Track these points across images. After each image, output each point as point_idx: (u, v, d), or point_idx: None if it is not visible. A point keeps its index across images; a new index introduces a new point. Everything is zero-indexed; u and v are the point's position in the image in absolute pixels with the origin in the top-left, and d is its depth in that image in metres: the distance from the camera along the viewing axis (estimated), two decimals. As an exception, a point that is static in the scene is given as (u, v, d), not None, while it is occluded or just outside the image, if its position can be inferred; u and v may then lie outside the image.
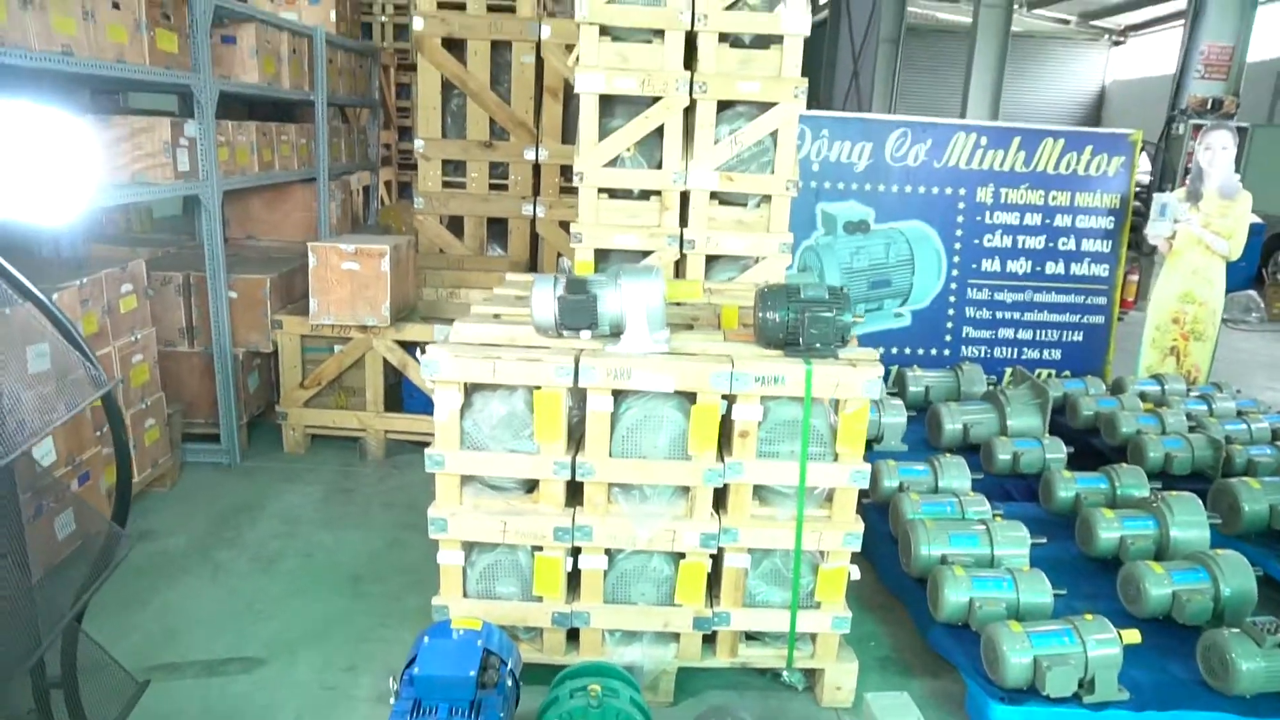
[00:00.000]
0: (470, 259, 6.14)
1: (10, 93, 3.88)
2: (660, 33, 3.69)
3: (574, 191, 6.04)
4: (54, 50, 3.02)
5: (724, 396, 2.58)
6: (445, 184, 6.19)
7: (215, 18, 4.10)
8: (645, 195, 3.89)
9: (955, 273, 5.80)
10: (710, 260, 3.98)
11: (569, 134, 6.12)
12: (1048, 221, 5.76)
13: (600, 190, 3.86)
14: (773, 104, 3.75)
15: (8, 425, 1.52)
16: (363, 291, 4.32)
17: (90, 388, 1.76)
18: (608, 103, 3.84)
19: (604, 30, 3.69)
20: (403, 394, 4.88)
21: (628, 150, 3.83)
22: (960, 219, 5.73)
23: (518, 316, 2.96)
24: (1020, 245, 5.78)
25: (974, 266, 5.80)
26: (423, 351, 2.55)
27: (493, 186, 6.20)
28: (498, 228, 6.35)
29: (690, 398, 2.60)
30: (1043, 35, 20.84)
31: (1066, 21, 20.54)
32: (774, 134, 3.79)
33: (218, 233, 4.17)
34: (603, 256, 4.02)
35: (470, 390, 2.66)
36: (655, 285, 2.53)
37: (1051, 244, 5.79)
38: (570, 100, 6.07)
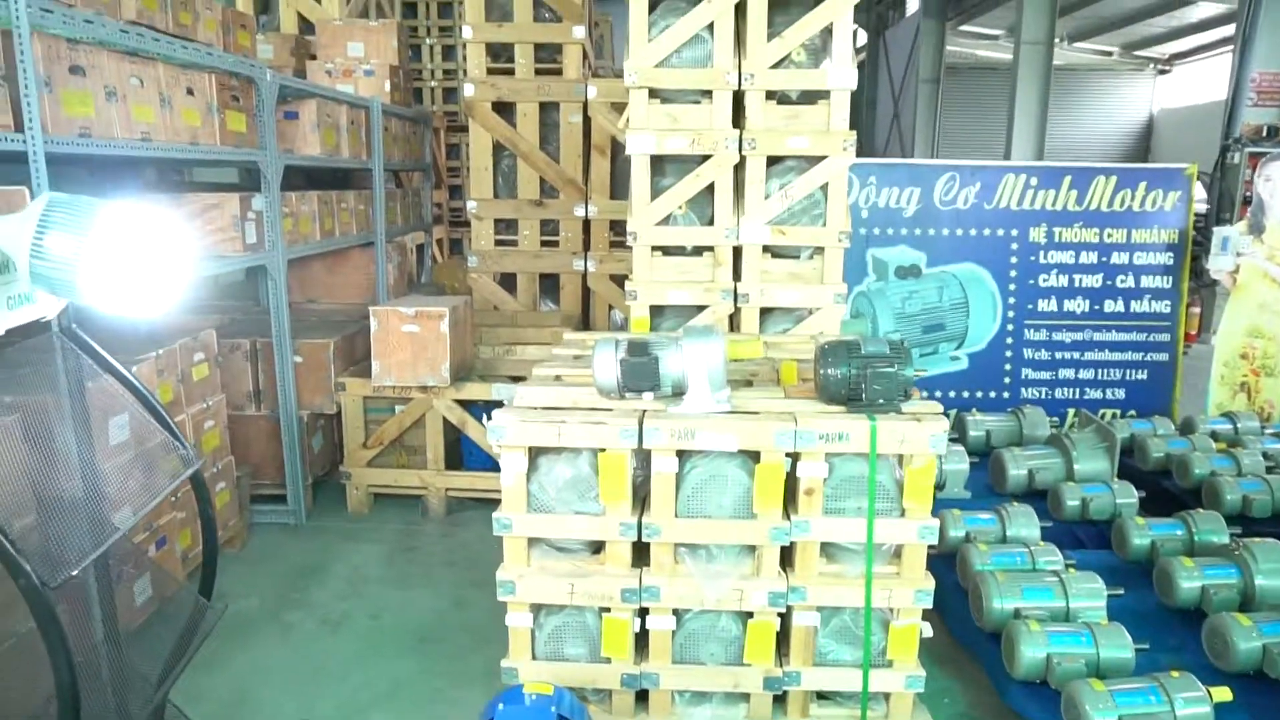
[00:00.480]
0: (524, 314, 6.24)
1: (91, 175, 4.10)
2: (708, 93, 3.76)
3: (623, 245, 6.17)
4: (135, 138, 3.18)
5: (788, 454, 2.58)
6: (498, 242, 6.33)
7: (279, 96, 4.29)
8: (698, 251, 3.94)
9: (1011, 314, 5.73)
10: (764, 312, 4.00)
11: (617, 189, 6.23)
12: (1104, 259, 5.68)
13: (654, 248, 3.92)
14: (822, 157, 3.79)
15: (103, 509, 1.58)
16: (423, 353, 4.41)
17: (179, 465, 1.82)
18: (658, 162, 3.91)
19: (653, 93, 3.78)
20: (462, 451, 4.94)
21: (680, 208, 3.89)
22: (1014, 260, 5.68)
23: (579, 378, 3.00)
24: (1077, 284, 5.69)
25: (1030, 307, 5.73)
26: (488, 418, 2.60)
27: (544, 243, 6.32)
28: (549, 283, 6.46)
29: (754, 456, 2.61)
30: (1085, 68, 20.69)
31: (1109, 53, 20.37)
32: (824, 186, 3.82)
33: (283, 300, 4.31)
34: (657, 312, 4.07)
35: (536, 454, 2.69)
36: (716, 345, 2.55)
37: (1109, 282, 5.70)
38: (618, 156, 6.19)
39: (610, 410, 2.65)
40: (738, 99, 3.79)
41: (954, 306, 5.73)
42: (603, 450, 2.57)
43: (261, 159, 4.06)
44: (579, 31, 6.03)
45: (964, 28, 19.13)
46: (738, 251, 3.90)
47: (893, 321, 5.65)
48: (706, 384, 2.56)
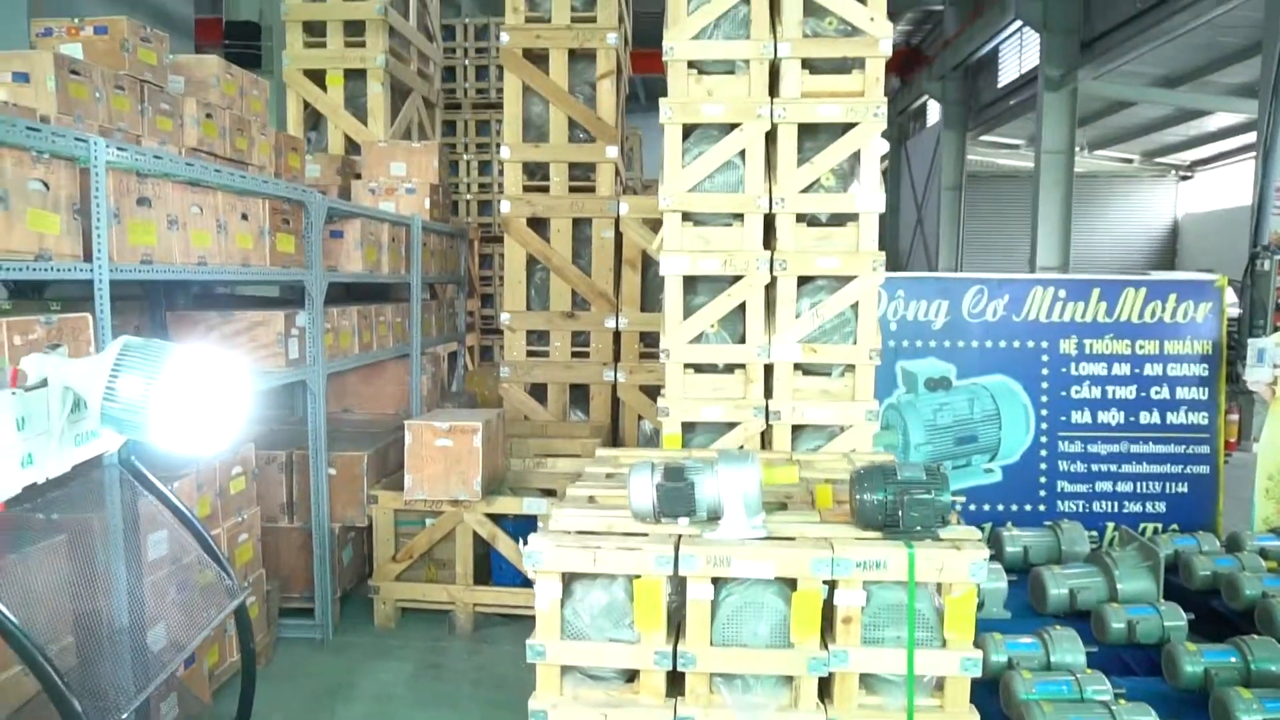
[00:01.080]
0: (554, 425, 6.28)
1: (143, 287, 4.26)
2: (740, 215, 3.89)
3: (653, 357, 6.27)
4: (192, 263, 3.33)
5: (825, 581, 2.55)
6: (529, 353, 6.43)
7: (326, 217, 4.48)
8: (730, 368, 3.99)
9: (1044, 426, 5.69)
10: (796, 429, 4.01)
11: (648, 302, 6.36)
12: (1137, 371, 5.65)
13: (686, 365, 3.98)
14: (852, 276, 3.87)
15: (148, 641, 1.60)
16: (455, 467, 4.45)
17: (224, 594, 1.84)
18: (690, 280, 4.02)
19: (686, 216, 3.91)
20: (491, 566, 4.91)
21: (712, 326, 3.96)
22: (1045, 372, 5.67)
23: (613, 498, 3.01)
24: (1111, 396, 5.66)
25: (1063, 419, 5.68)
26: (523, 541, 2.60)
27: (575, 354, 6.41)
28: (579, 393, 6.53)
29: (791, 583, 2.58)
30: (1107, 175, 21.03)
31: (1130, 160, 20.73)
32: (854, 305, 3.89)
33: (321, 414, 4.39)
34: (688, 428, 4.10)
35: (570, 579, 2.68)
36: (752, 471, 2.56)
37: (1144, 393, 5.65)
38: (648, 269, 6.34)
39: (646, 535, 2.65)
40: (769, 221, 3.91)
41: (986, 418, 5.70)
42: (638, 577, 2.56)
43: (307, 278, 4.21)
44: (612, 151, 6.28)
45: (984, 138, 19.63)
46: (769, 369, 3.95)
47: (924, 434, 5.62)
48: (742, 510, 2.56)
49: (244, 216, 3.74)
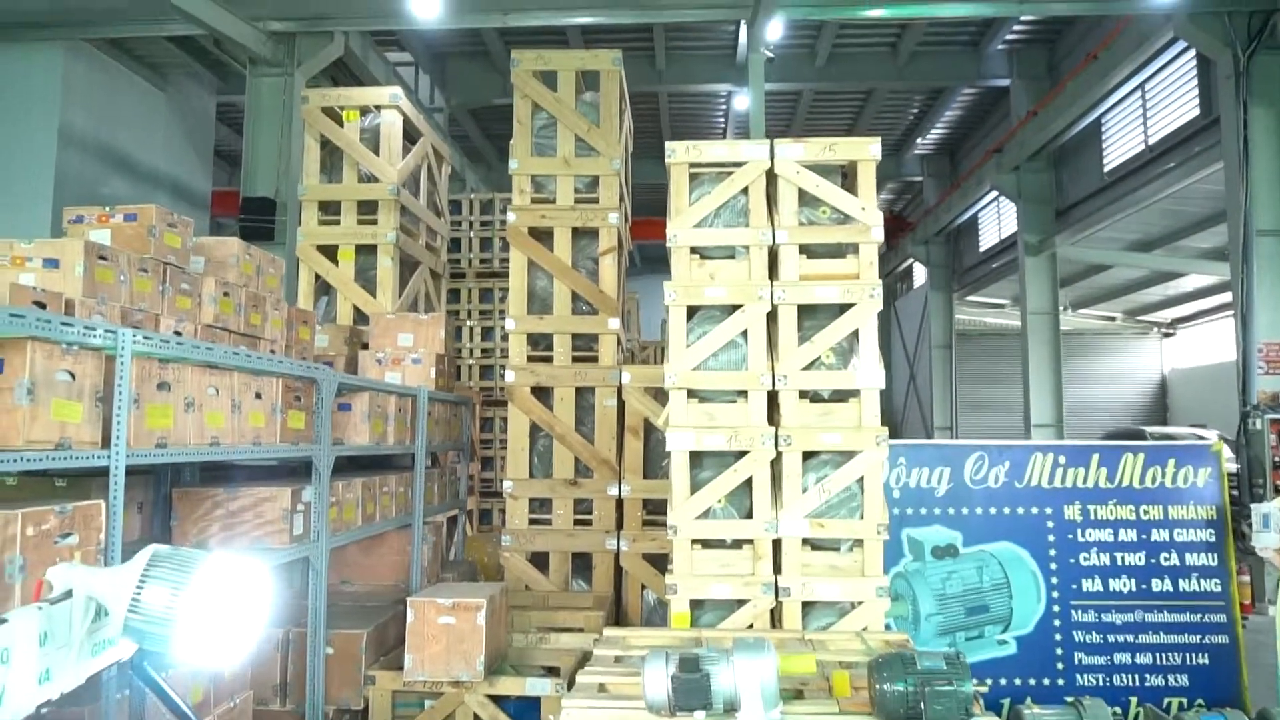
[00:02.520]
0: (556, 595, 6.15)
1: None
2: (744, 392, 3.97)
3: (656, 525, 6.22)
4: (205, 444, 3.37)
5: (848, 780, 2.45)
6: (532, 520, 6.37)
7: (335, 391, 4.56)
8: (738, 544, 3.97)
9: (1056, 594, 5.59)
10: (806, 605, 3.94)
11: (650, 469, 6.37)
12: (1144, 536, 5.62)
13: (694, 541, 3.95)
14: (856, 451, 3.91)
15: None
16: (458, 645, 4.32)
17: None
18: (696, 455, 4.05)
19: (691, 393, 3.99)
20: (491, 751, 4.67)
21: (719, 501, 3.96)
22: (1051, 538, 5.63)
23: (624, 686, 2.93)
24: (1120, 562, 5.59)
25: (1074, 587, 5.59)
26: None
27: (577, 521, 6.35)
28: (581, 561, 6.42)
29: (812, 782, 2.47)
30: (1093, 333, 21.57)
31: (1113, 318, 21.32)
32: (860, 480, 3.91)
33: (323, 592, 4.31)
34: (696, 604, 4.02)
35: (582, 778, 2.57)
36: (769, 661, 2.51)
37: (1153, 560, 5.60)
38: (651, 436, 6.39)
39: (660, 730, 2.56)
40: (771, 397, 3.99)
41: (995, 587, 5.61)
42: (653, 776, 2.46)
43: (316, 453, 4.24)
44: (614, 323, 6.46)
45: (970, 297, 20.26)
46: (777, 544, 3.92)
47: (934, 604, 5.51)
48: (759, 701, 2.49)
49: (257, 395, 3.81)
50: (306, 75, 10.52)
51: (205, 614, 1.49)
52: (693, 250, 4.05)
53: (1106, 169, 13.42)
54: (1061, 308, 15.97)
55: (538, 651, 5.10)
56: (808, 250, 4.02)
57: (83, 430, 2.69)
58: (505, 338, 10.47)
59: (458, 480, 7.08)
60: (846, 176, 4.19)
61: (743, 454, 3.96)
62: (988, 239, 18.72)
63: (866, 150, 4.00)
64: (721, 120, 18.31)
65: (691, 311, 4.09)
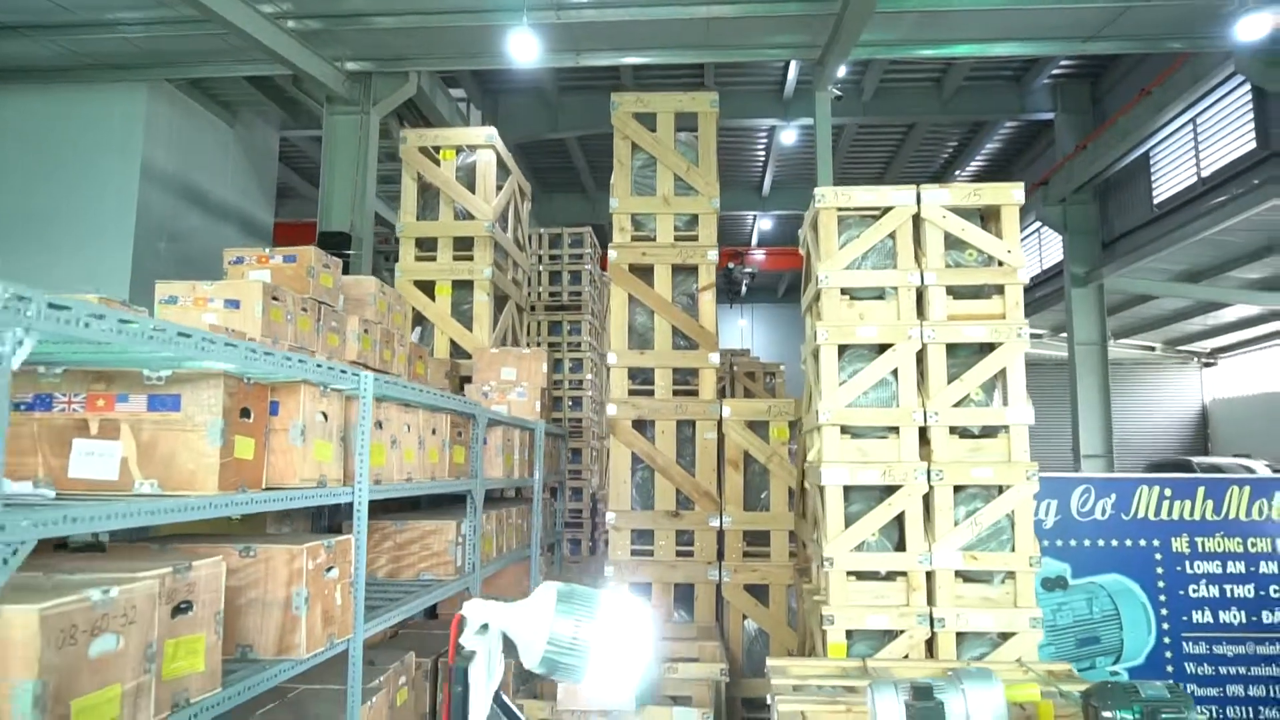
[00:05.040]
0: (660, 626, 6.25)
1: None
2: (895, 429, 4.11)
3: (756, 555, 6.34)
4: (403, 479, 3.53)
5: (1080, 806, 2.56)
6: (634, 552, 6.50)
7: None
8: (890, 576, 4.08)
9: (1166, 626, 5.66)
10: (959, 636, 4.05)
11: (750, 501, 6.49)
12: (1252, 569, 5.69)
13: (848, 573, 4.07)
14: (1003, 485, 4.03)
15: None
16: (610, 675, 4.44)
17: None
18: (845, 490, 4.18)
19: (844, 429, 4.13)
20: (630, 780, 4.77)
21: (872, 535, 4.09)
22: (1160, 570, 5.71)
23: (824, 714, 3.04)
24: (1230, 594, 5.66)
25: (1184, 619, 5.66)
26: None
27: (679, 553, 6.47)
28: (682, 592, 6.53)
29: (1045, 808, 2.58)
30: (1131, 362, 21.60)
31: (1152, 348, 21.35)
32: (1010, 513, 4.03)
33: (477, 621, 4.44)
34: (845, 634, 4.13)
35: (818, 803, 2.68)
36: (998, 690, 2.63)
37: (1262, 592, 5.66)
38: (750, 468, 6.53)
39: (891, 756, 2.67)
40: (920, 432, 4.13)
41: (1105, 618, 5.69)
42: (895, 801, 2.57)
43: (474, 486, 4.40)
44: (714, 358, 6.62)
45: (1009, 328, 20.31)
46: (929, 575, 4.03)
47: (1046, 635, 5.59)
48: (992, 730, 2.60)
49: (433, 431, 3.97)
50: (381, 114, 10.82)
51: (608, 645, 1.64)
52: (842, 291, 4.21)
53: (1156, 201, 13.55)
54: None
55: (667, 682, 5.20)
56: (953, 291, 4.17)
57: (333, 468, 2.86)
58: (574, 369, 10.67)
59: (556, 512, 7.22)
60: (984, 219, 4.35)
61: (891, 488, 4.09)
62: (1028, 270, 18.81)
63: (1010, 195, 4.17)
64: (762, 153, 18.57)
65: (840, 350, 4.24)
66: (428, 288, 7.57)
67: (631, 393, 6.70)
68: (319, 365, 2.67)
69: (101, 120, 10.88)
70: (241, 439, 2.37)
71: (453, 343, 7.51)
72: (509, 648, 1.74)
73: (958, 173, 19.42)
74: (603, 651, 1.62)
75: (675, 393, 6.67)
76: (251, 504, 2.32)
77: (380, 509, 5.21)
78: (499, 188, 7.92)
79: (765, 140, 17.86)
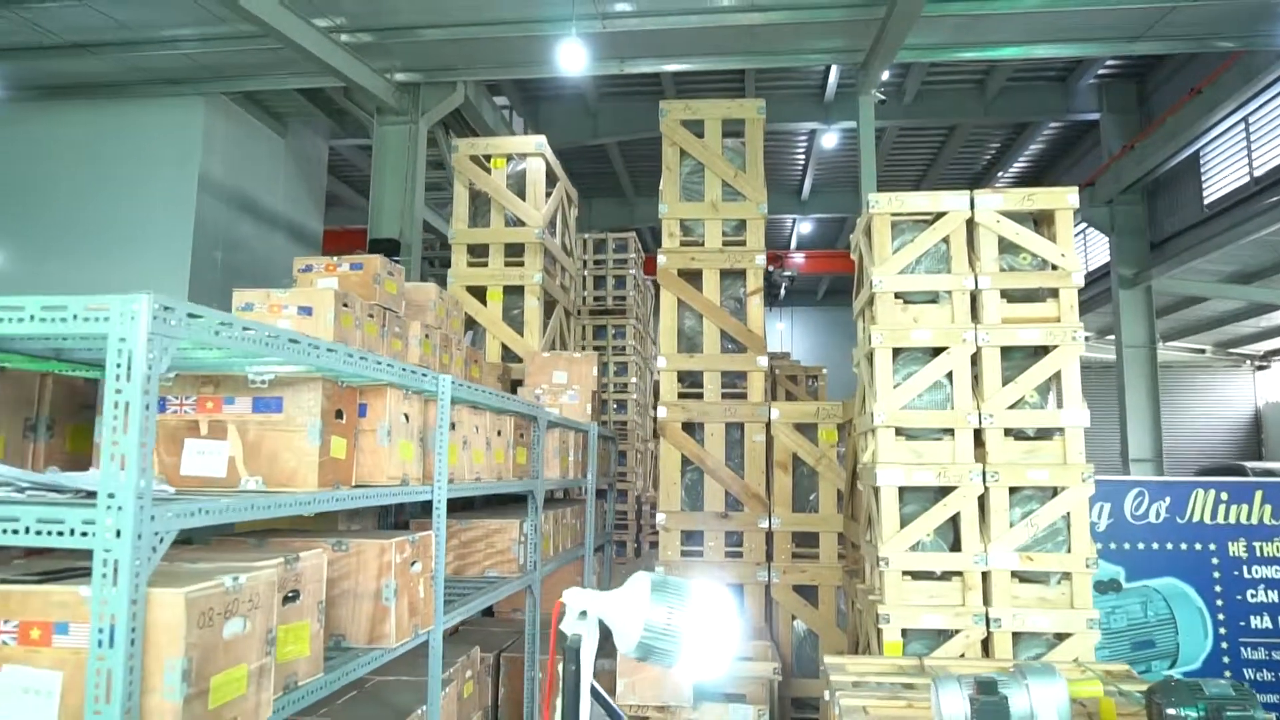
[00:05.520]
0: (713, 625, 6.33)
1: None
2: (949, 430, 4.16)
3: (805, 557, 6.40)
4: (472, 479, 3.67)
5: (1145, 801, 2.60)
6: (683, 553, 6.59)
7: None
8: (946, 576, 4.13)
9: (1223, 630, 5.62)
10: (1015, 636, 4.08)
11: (799, 503, 6.56)
12: (1312, 574, 5.64)
13: (904, 573, 4.13)
14: (1059, 487, 4.07)
15: None
16: (668, 673, 4.53)
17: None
18: (899, 491, 4.24)
19: (899, 431, 4.20)
20: (687, 775, 4.86)
21: (928, 535, 4.14)
22: (1216, 574, 5.68)
23: (884, 709, 3.11)
24: (1288, 600, 5.62)
25: (1241, 624, 5.62)
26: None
27: (728, 554, 6.55)
28: (731, 593, 6.61)
29: (1110, 802, 2.63)
30: (1181, 365, 21.22)
31: (1202, 351, 20.96)
32: (1066, 515, 4.06)
33: (538, 618, 4.57)
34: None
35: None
36: (1061, 686, 2.68)
37: (1322, 598, 5.61)
38: (798, 470, 6.60)
39: (956, 749, 2.74)
40: (975, 434, 4.17)
41: (1160, 622, 5.67)
42: (961, 793, 2.63)
43: (535, 486, 4.53)
44: (762, 361, 6.69)
45: (1053, 331, 20.06)
46: (985, 575, 4.08)
47: (1100, 637, 5.57)
48: (1056, 725, 2.66)
49: (498, 433, 4.11)
50: (429, 123, 11.05)
51: (699, 631, 1.74)
52: (896, 295, 4.27)
53: (1207, 201, 13.36)
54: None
55: (722, 680, 5.29)
56: (1007, 294, 4.22)
57: (414, 467, 3.00)
58: (619, 373, 10.80)
59: (606, 513, 7.34)
60: (1037, 223, 4.39)
61: (946, 489, 4.14)
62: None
63: (1064, 200, 4.20)
64: (802, 157, 18.57)
65: (895, 354, 4.30)
66: (479, 293, 7.73)
67: (681, 395, 6.79)
68: (404, 369, 2.81)
69: (159, 133, 11.24)
70: (336, 439, 2.51)
71: (504, 347, 7.66)
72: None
73: (1000, 174, 19.24)
74: (694, 637, 1.72)
75: (724, 395, 6.75)
76: (350, 500, 2.46)
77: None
78: (548, 195, 8.06)
79: (805, 144, 17.86)
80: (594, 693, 1.96)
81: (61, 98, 11.38)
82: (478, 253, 7.84)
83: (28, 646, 1.62)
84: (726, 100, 7.15)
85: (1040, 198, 4.23)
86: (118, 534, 1.56)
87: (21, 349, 2.24)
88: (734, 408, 6.67)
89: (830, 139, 16.22)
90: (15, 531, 1.60)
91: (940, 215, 4.28)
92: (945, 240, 4.27)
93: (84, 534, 1.58)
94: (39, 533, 1.59)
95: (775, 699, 5.33)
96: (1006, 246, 4.25)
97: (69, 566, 1.96)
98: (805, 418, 6.59)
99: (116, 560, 1.55)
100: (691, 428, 6.73)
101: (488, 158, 7.93)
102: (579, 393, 6.76)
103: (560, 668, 1.74)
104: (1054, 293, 4.19)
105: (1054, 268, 4.19)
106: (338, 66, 9.73)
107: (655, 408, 11.64)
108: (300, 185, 13.60)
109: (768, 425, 6.59)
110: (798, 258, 22.69)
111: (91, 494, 1.87)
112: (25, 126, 11.52)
